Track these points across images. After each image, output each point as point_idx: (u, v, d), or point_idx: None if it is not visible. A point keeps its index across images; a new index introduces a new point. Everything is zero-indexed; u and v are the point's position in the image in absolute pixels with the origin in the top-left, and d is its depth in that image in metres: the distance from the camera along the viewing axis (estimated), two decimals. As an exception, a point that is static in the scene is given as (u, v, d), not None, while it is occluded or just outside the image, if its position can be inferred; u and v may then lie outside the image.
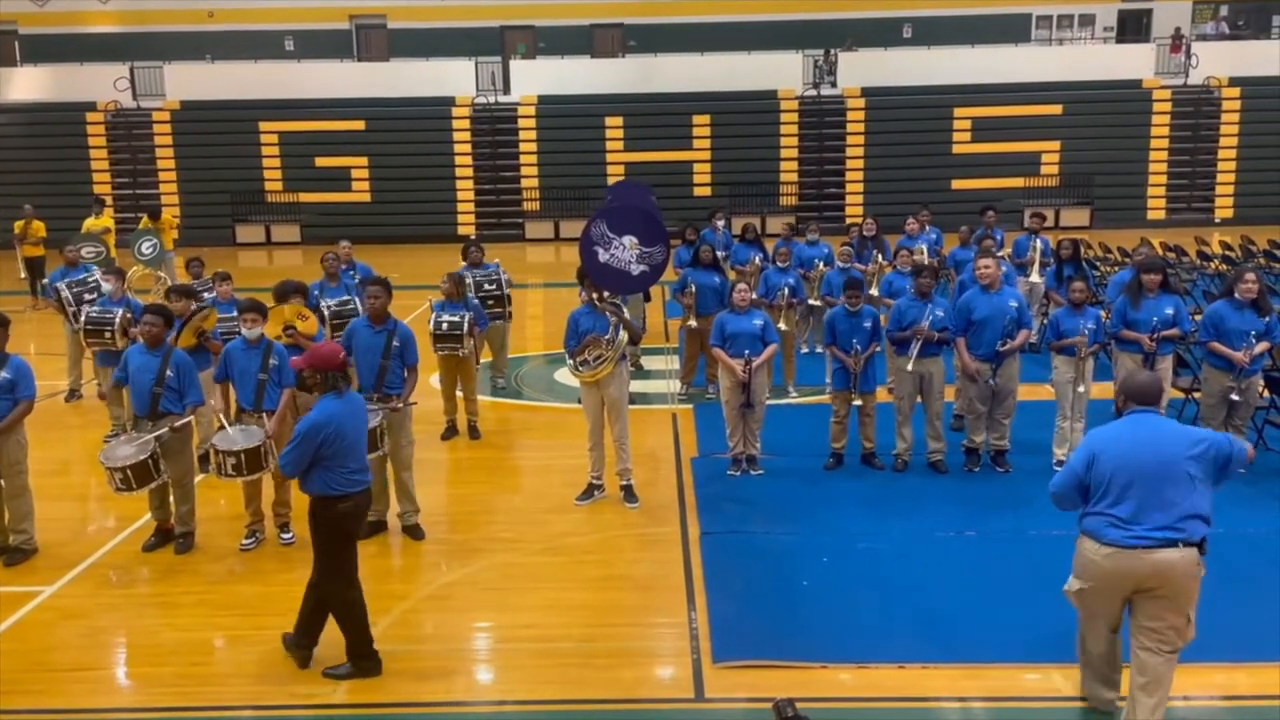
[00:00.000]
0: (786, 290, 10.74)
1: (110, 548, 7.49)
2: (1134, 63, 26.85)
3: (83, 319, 9.67)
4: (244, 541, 7.40)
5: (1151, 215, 26.06)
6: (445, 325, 9.60)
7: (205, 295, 9.98)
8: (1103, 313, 8.25)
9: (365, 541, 7.38)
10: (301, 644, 5.77)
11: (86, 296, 10.50)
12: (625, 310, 8.28)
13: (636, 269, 8.51)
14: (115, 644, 6.23)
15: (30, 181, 25.14)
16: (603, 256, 8.44)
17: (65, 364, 11.36)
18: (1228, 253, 17.25)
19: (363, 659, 5.68)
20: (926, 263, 10.80)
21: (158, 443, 7.07)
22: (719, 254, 11.49)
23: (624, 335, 7.87)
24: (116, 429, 9.24)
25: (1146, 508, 4.60)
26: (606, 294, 8.20)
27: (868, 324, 8.59)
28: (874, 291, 11.09)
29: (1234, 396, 8.16)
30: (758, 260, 12.53)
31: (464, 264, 11.15)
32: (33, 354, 12.58)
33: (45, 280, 14.14)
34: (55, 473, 9.00)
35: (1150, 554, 4.59)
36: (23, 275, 17.25)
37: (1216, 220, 25.90)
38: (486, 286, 10.78)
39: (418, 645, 6.03)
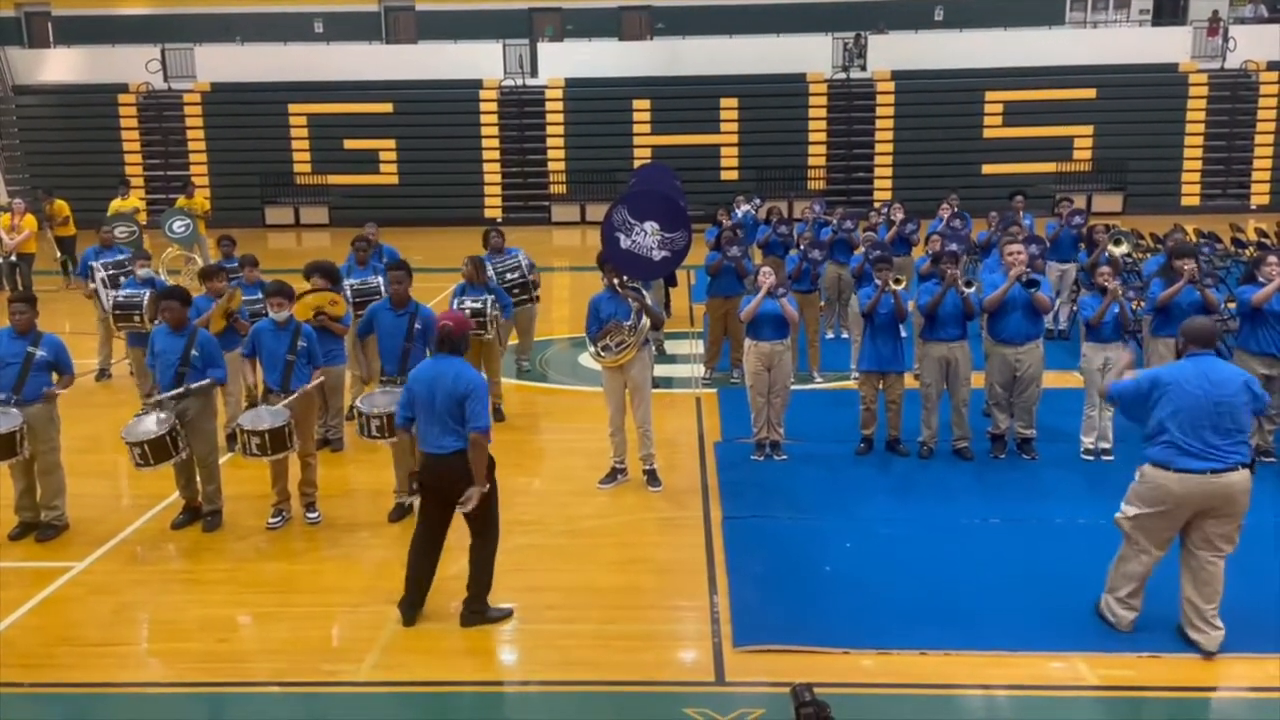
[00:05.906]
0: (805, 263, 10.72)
1: (139, 525, 7.59)
2: (1170, 46, 26.39)
3: (111, 301, 9.76)
4: (270, 520, 7.47)
5: (1186, 201, 25.65)
6: (467, 310, 9.59)
7: (236, 275, 10.04)
8: (1133, 302, 8.17)
9: (390, 523, 7.48)
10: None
11: (122, 278, 10.60)
12: (647, 296, 8.25)
13: (658, 254, 8.49)
14: (143, 620, 6.31)
15: (63, 162, 25.48)
16: (624, 243, 8.41)
17: (96, 343, 11.49)
18: (1263, 239, 16.93)
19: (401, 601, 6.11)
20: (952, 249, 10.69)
21: (177, 418, 7.15)
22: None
23: (646, 321, 7.84)
24: (148, 408, 9.33)
25: (1212, 438, 5.40)
26: (628, 279, 8.17)
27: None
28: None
29: (1267, 371, 8.08)
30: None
31: (486, 251, 11.13)
32: (66, 333, 12.67)
33: (76, 261, 14.26)
34: (86, 450, 9.11)
35: (1219, 477, 5.39)
36: (58, 256, 17.39)
37: (1252, 206, 25.45)
38: (508, 276, 10.71)
39: (441, 625, 6.07)
